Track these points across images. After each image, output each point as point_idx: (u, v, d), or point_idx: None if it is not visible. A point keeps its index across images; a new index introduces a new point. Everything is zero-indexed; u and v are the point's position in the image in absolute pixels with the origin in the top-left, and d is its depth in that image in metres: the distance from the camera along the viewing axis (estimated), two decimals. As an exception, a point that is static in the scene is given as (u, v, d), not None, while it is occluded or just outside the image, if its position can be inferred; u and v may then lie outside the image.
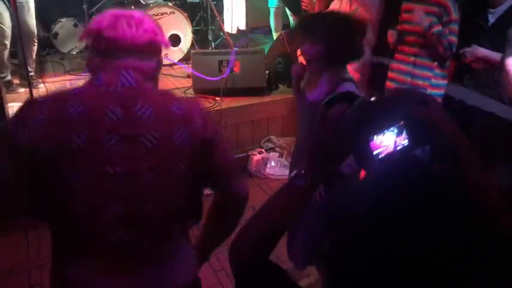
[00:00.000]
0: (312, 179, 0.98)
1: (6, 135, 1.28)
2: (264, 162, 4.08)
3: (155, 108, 1.28)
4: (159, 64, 1.41)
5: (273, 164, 4.08)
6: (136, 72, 1.29)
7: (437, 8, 3.07)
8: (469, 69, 3.11)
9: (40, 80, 4.71)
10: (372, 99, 0.93)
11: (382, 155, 0.89)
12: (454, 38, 3.07)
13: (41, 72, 4.96)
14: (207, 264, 2.94)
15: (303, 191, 1.00)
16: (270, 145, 4.32)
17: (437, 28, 3.03)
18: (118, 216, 1.29)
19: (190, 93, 4.34)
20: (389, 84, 3.44)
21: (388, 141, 0.88)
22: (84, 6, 5.13)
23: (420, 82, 3.24)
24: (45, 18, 5.62)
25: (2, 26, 4.25)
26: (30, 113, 1.24)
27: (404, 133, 0.88)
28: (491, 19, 3.01)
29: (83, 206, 1.28)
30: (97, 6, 5.33)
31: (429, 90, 3.24)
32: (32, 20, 4.42)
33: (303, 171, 0.98)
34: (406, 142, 0.89)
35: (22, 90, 4.35)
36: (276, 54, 4.50)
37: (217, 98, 4.13)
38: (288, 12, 5.51)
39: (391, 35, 3.31)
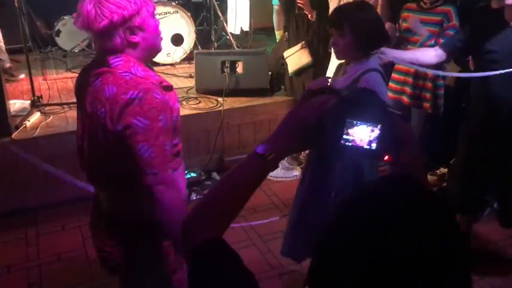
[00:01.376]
0: (276, 153, 0.99)
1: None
2: (266, 163, 4.05)
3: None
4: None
5: (274, 165, 4.06)
6: None
7: (440, 17, 3.11)
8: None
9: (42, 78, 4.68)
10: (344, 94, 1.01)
11: (351, 144, 0.95)
12: (450, 33, 3.07)
13: (43, 69, 4.93)
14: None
15: (263, 162, 0.99)
16: (272, 147, 4.29)
17: (431, 42, 3.05)
18: None
19: (193, 93, 4.32)
20: (390, 95, 3.43)
21: (360, 133, 0.95)
22: (88, 4, 5.10)
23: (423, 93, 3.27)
24: (47, 15, 5.62)
25: None
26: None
27: (376, 132, 0.95)
28: None
29: None
30: (100, 4, 5.31)
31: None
32: None
33: (269, 144, 1.00)
34: (375, 136, 0.95)
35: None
36: (279, 55, 4.47)
37: (219, 99, 4.11)
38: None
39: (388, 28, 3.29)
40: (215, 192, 1.06)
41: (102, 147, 1.60)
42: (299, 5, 3.94)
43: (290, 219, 2.55)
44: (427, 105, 3.29)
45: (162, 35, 1.70)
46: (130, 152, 1.53)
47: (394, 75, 3.40)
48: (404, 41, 3.29)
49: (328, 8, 3.59)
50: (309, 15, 3.90)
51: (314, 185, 2.34)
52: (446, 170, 3.73)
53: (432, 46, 3.02)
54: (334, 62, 3.63)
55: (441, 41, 3.00)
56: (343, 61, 2.40)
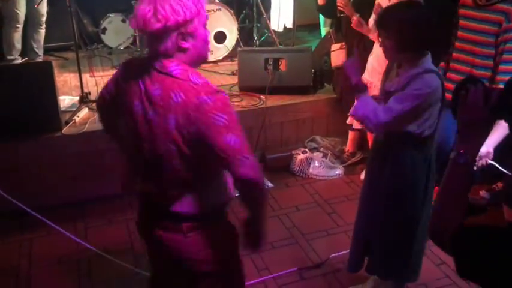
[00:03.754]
0: (471, 154, 1.21)
1: None
2: (308, 162, 4.04)
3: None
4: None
5: (316, 164, 4.04)
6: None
7: (498, 15, 2.85)
8: None
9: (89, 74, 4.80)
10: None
11: None
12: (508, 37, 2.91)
13: (90, 66, 5.05)
14: (251, 262, 2.97)
15: (465, 168, 1.21)
16: (314, 145, 4.28)
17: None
18: None
19: (236, 90, 4.34)
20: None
21: None
22: (133, 2, 5.19)
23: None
24: (93, 13, 5.75)
25: (17, 10, 4.62)
26: None
27: None
28: None
29: None
30: (145, 2, 5.39)
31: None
32: (43, 9, 4.81)
33: (461, 151, 1.21)
34: None
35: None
36: (322, 52, 4.44)
37: (262, 96, 4.12)
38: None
39: None
40: (438, 205, 1.28)
41: (175, 153, 1.65)
42: (339, 8, 3.89)
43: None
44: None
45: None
46: (216, 148, 1.60)
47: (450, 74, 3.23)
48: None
49: (371, 11, 3.54)
50: (352, 19, 3.85)
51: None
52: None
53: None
54: (369, 68, 3.58)
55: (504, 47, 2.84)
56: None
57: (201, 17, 1.65)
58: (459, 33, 3.12)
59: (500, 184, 3.59)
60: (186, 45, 1.63)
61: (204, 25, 1.68)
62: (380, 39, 2.20)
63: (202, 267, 1.84)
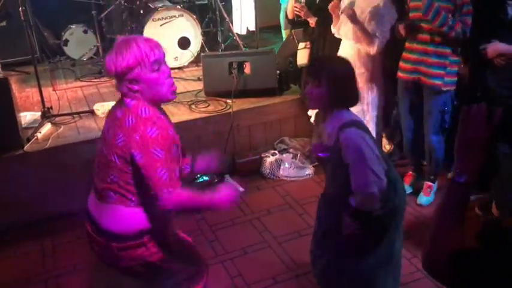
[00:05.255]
0: (471, 176, 1.18)
1: None
2: (278, 164, 4.03)
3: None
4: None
5: (286, 165, 4.04)
6: None
7: None
8: (490, 65, 3.03)
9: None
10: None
11: None
12: (468, 21, 3.02)
13: (52, 80, 4.95)
14: (224, 269, 2.94)
15: (464, 187, 1.19)
16: (283, 146, 4.27)
17: (447, 20, 2.99)
18: None
19: (202, 96, 4.31)
20: (401, 75, 3.38)
21: None
22: (93, 12, 5.12)
23: (436, 71, 3.19)
24: (54, 25, 5.65)
25: None
26: None
27: None
28: (511, 11, 2.93)
29: None
30: (106, 12, 5.32)
31: (446, 79, 3.19)
32: None
33: (459, 170, 1.19)
34: None
35: None
36: (286, 54, 4.44)
37: (228, 101, 4.10)
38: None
39: (402, 29, 3.24)
40: (434, 226, 1.26)
41: (114, 165, 1.96)
42: (296, 12, 3.92)
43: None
44: (439, 82, 3.20)
45: (172, 85, 1.99)
46: (147, 178, 1.89)
47: (407, 55, 3.33)
48: (413, 30, 3.23)
49: (330, 14, 3.57)
50: (310, 23, 3.88)
51: None
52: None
53: (451, 28, 2.98)
54: None
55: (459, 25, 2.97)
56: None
57: (146, 63, 1.88)
58: (413, 14, 3.21)
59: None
60: (135, 88, 1.91)
61: (153, 69, 1.90)
62: (307, 88, 2.20)
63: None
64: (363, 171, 2.07)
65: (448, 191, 1.22)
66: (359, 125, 2.15)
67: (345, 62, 2.24)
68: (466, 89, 3.33)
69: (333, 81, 2.10)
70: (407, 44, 3.32)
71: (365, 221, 2.14)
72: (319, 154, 2.26)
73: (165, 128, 1.92)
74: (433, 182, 3.57)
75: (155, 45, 1.92)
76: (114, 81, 2.02)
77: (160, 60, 1.94)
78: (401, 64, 3.38)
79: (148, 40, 1.93)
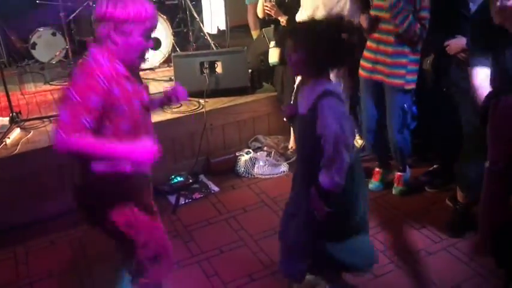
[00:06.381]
0: (502, 164, 1.23)
1: None
2: (252, 162, 4.04)
3: None
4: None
5: (261, 163, 4.05)
6: None
7: None
8: (453, 59, 3.09)
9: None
10: None
11: None
12: (425, 24, 3.08)
13: (21, 84, 4.86)
14: (200, 268, 2.94)
15: (502, 175, 1.24)
16: (258, 144, 4.29)
17: (407, 19, 3.04)
18: None
19: (174, 96, 4.28)
20: (362, 73, 3.43)
21: None
22: (61, 14, 5.04)
23: (397, 71, 3.24)
24: (22, 29, 5.54)
25: None
26: None
27: None
28: (473, 7, 3.00)
29: None
30: (74, 14, 5.25)
31: (407, 77, 3.25)
32: None
33: (492, 159, 1.24)
34: None
35: None
36: (258, 52, 4.45)
37: (201, 100, 4.09)
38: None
39: (364, 20, 3.28)
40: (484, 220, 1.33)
41: None
42: (266, 11, 3.94)
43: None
44: (400, 82, 3.26)
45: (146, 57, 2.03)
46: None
47: (367, 54, 3.37)
48: (374, 24, 3.26)
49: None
50: (280, 21, 3.91)
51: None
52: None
53: (410, 25, 3.04)
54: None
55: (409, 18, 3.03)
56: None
57: (146, 25, 1.90)
58: (375, 13, 3.25)
59: (437, 166, 3.72)
60: (117, 39, 1.89)
61: (144, 34, 1.91)
62: (287, 53, 2.15)
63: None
64: (335, 145, 2.02)
65: (487, 179, 1.28)
66: (339, 97, 2.12)
67: (321, 24, 2.13)
68: (428, 84, 3.38)
69: (308, 45, 2.05)
70: (368, 43, 3.37)
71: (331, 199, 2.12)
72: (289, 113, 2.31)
73: (101, 82, 1.84)
74: (404, 172, 3.63)
75: (156, 14, 1.96)
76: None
77: (152, 31, 1.97)
78: (362, 63, 3.43)
79: (152, 6, 1.95)
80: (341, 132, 2.03)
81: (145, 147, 1.87)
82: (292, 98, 2.44)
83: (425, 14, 3.09)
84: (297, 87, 2.43)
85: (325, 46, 2.05)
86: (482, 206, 1.28)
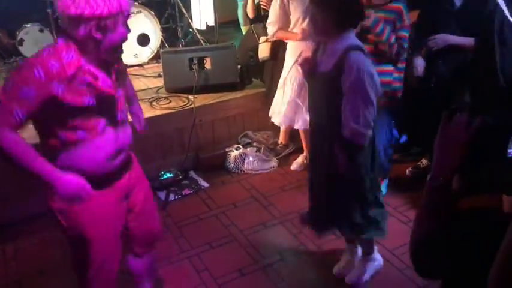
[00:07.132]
0: (444, 176, 1.21)
1: None
2: (242, 158, 4.05)
3: None
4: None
5: (251, 159, 4.06)
6: None
7: (393, 15, 2.99)
8: (441, 55, 3.11)
9: None
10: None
11: None
12: (404, 44, 3.03)
13: (8, 81, 4.82)
14: (190, 264, 2.95)
15: (440, 190, 1.22)
16: (247, 140, 4.29)
17: (391, 39, 3.00)
18: None
19: (163, 92, 4.28)
20: None
21: None
22: (49, 10, 5.00)
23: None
24: (8, 25, 5.48)
25: None
26: None
27: None
28: (458, 2, 3.03)
29: None
30: (62, 10, 5.20)
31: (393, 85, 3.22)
32: None
33: (434, 173, 1.22)
34: None
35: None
36: (247, 48, 4.45)
37: (190, 97, 4.09)
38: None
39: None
40: (415, 229, 1.29)
41: None
42: (262, 6, 3.93)
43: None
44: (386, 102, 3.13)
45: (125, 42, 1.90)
46: None
47: None
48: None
49: None
50: None
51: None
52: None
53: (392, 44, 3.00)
54: (289, 59, 3.65)
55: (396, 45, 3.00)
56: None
57: (122, 16, 1.82)
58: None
59: (424, 161, 3.76)
60: (98, 37, 1.78)
61: (124, 24, 1.85)
62: (310, 18, 2.31)
63: None
64: (361, 98, 2.15)
65: (426, 193, 1.27)
66: (366, 53, 2.23)
67: None
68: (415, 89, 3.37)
69: (333, 3, 2.18)
70: None
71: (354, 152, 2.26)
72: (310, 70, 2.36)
73: (37, 74, 1.73)
74: (384, 179, 3.52)
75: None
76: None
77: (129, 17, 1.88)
78: None
79: None
80: (368, 85, 2.13)
81: (70, 185, 1.86)
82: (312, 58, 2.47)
83: (404, 33, 3.02)
84: (315, 49, 2.46)
85: (347, 4, 2.22)
86: (416, 214, 1.31)
